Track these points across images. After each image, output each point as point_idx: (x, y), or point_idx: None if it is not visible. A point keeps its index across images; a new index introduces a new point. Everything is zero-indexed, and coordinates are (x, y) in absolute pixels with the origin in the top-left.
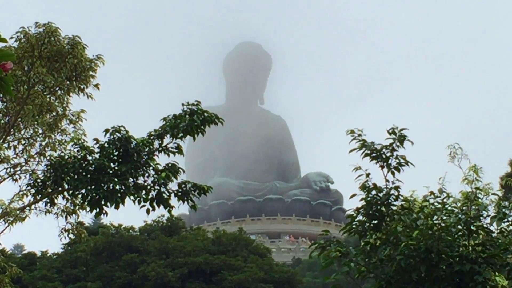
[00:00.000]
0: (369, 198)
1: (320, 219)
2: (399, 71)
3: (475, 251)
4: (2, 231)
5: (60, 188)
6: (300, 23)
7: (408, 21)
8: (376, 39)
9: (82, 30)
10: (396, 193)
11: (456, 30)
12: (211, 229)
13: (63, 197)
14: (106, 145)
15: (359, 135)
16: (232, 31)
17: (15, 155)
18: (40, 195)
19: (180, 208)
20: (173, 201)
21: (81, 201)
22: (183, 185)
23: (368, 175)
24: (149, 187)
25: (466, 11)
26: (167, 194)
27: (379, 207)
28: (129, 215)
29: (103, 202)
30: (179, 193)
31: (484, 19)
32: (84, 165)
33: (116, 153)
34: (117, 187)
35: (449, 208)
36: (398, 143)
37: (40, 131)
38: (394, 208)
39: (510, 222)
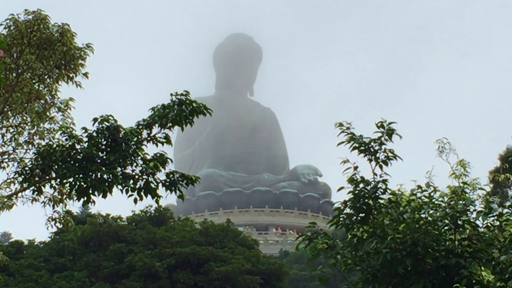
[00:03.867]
0: (356, 191)
1: (308, 212)
2: (390, 64)
3: (461, 246)
4: None
5: (47, 177)
6: (291, 15)
7: (403, 15)
8: (369, 31)
9: (71, 19)
10: (383, 187)
11: (447, 25)
12: (199, 220)
13: (51, 186)
14: (94, 134)
15: (348, 128)
16: (223, 22)
17: (3, 143)
18: (27, 183)
19: (168, 199)
20: (161, 191)
21: (69, 190)
22: (171, 175)
23: (356, 168)
24: (137, 176)
25: (461, 9)
26: (155, 183)
27: (366, 200)
28: (117, 205)
29: (90, 191)
30: (167, 183)
31: (466, 20)
32: (72, 153)
33: (104, 142)
34: (105, 176)
35: (436, 202)
36: (386, 137)
37: (29, 119)
38: (381, 201)
39: (496, 217)
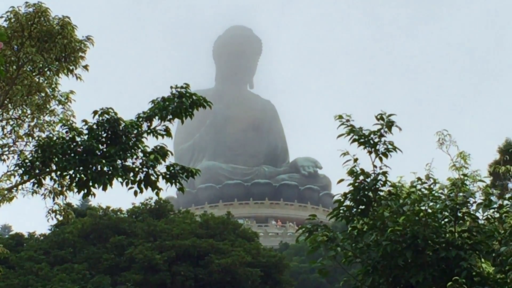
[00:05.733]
0: (356, 184)
1: (308, 204)
2: (389, 56)
3: (461, 238)
4: None
5: (48, 169)
6: (291, 8)
7: (398, 9)
8: (368, 22)
9: (72, 11)
10: (383, 179)
11: (443, 14)
12: (199, 213)
13: (51, 178)
14: (94, 126)
15: (347, 120)
16: (223, 14)
17: (3, 136)
18: (27, 176)
19: (168, 191)
20: (161, 183)
21: (69, 182)
22: (171, 168)
23: (356, 160)
24: (137, 169)
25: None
26: (155, 176)
27: (366, 192)
28: (117, 198)
29: (90, 184)
30: (167, 176)
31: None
32: (72, 146)
33: (104, 135)
34: (105, 168)
35: (436, 194)
36: (386, 129)
37: (29, 111)
38: (381, 193)
39: (496, 209)
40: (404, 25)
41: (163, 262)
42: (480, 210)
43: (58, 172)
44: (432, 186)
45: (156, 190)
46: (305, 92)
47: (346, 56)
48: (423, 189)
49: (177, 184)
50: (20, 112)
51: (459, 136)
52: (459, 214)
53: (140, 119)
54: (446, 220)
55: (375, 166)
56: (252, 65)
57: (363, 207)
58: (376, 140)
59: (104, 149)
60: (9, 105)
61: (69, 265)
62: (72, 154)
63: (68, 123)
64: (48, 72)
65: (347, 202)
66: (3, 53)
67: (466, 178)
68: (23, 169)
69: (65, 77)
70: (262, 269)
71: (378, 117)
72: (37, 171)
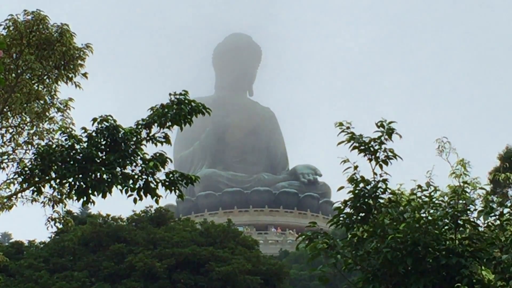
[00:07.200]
0: (356, 191)
1: (308, 212)
2: (388, 64)
3: (462, 245)
4: None
5: (47, 177)
6: (290, 15)
7: (399, 11)
8: (366, 31)
9: (71, 18)
10: (383, 186)
11: (444, 21)
12: (199, 220)
13: (50, 186)
14: (94, 134)
15: (348, 127)
16: (223, 22)
17: (2, 144)
18: (27, 184)
19: (168, 199)
20: (161, 190)
21: (68, 190)
22: (171, 175)
23: (356, 168)
24: (136, 176)
25: (462, 7)
26: (155, 183)
27: (366, 200)
28: (118, 205)
29: (90, 191)
30: (167, 183)
31: (479, 16)
32: (71, 154)
33: (103, 142)
34: (105, 176)
35: (436, 201)
36: (386, 136)
37: (28, 119)
38: (381, 201)
39: (497, 217)
40: (404, 30)
41: (163, 270)
42: (481, 218)
43: (58, 180)
44: (432, 193)
45: (155, 198)
46: (304, 99)
47: (345, 63)
48: (423, 197)
49: (177, 191)
50: (19, 120)
51: (459, 144)
52: (460, 222)
53: (139, 126)
54: (446, 227)
55: (375, 174)
56: (251, 73)
57: (363, 214)
58: (376, 147)
59: (104, 157)
60: (9, 113)
61: (69, 273)
62: (72, 162)
63: (68, 130)
64: (47, 80)
65: (347, 210)
66: (2, 61)
67: (466, 185)
68: (22, 177)
69: (64, 85)
70: (262, 277)
71: (379, 124)
72: (36, 179)
